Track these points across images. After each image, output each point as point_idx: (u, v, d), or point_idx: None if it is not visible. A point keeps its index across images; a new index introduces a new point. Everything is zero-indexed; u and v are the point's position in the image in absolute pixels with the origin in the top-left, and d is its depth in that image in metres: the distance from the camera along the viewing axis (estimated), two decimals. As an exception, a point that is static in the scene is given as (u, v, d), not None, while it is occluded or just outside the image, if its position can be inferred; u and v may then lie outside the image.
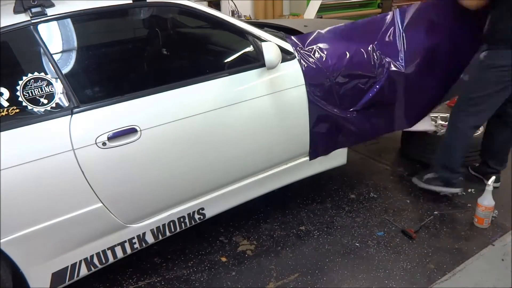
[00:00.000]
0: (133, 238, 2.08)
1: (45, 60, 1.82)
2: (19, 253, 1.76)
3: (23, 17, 1.81)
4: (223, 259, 2.36)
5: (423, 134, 3.13)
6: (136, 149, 1.92)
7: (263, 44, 2.18)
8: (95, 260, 2.00)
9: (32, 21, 1.81)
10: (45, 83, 1.78)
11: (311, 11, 7.14)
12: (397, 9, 2.70)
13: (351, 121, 2.52)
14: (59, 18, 1.91)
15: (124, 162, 1.91)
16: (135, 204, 2.03)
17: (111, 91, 1.93)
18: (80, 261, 1.95)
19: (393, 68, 2.51)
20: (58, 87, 1.81)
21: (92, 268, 2.00)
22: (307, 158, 2.56)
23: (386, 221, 2.61)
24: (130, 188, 1.97)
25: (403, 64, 2.52)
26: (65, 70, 1.91)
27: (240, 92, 2.19)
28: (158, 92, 2.00)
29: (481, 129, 3.25)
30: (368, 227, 2.56)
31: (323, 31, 2.56)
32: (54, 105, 1.79)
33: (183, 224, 2.23)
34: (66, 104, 1.82)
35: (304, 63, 2.37)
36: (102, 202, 1.91)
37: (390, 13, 2.68)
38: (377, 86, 2.50)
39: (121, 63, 2.39)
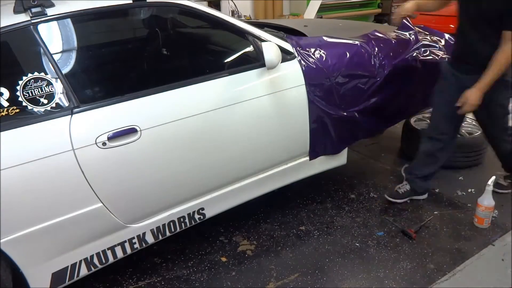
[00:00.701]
0: (133, 238, 2.08)
1: (45, 60, 1.82)
2: (19, 253, 1.76)
3: (23, 17, 1.81)
4: (223, 259, 2.36)
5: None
6: (136, 149, 1.92)
7: (263, 44, 2.18)
8: (95, 260, 2.00)
9: (32, 21, 1.81)
10: (45, 83, 1.78)
11: (311, 11, 7.15)
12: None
13: (352, 121, 2.52)
14: (59, 18, 1.91)
15: (124, 162, 1.91)
16: (135, 204, 2.03)
17: (111, 91, 1.93)
18: (80, 261, 1.95)
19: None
20: (58, 87, 1.81)
21: (92, 268, 2.00)
22: (307, 158, 2.56)
23: (386, 221, 2.61)
24: (130, 188, 1.97)
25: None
26: (65, 70, 1.91)
27: (240, 92, 2.19)
28: (158, 92, 2.00)
29: (481, 129, 3.26)
30: (368, 227, 2.56)
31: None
32: (54, 105, 1.79)
33: (183, 224, 2.23)
34: (66, 104, 1.82)
35: (304, 63, 2.37)
36: (102, 202, 1.91)
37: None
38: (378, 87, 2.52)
39: (121, 63, 2.39)
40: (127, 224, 2.03)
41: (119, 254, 2.07)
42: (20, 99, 1.73)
